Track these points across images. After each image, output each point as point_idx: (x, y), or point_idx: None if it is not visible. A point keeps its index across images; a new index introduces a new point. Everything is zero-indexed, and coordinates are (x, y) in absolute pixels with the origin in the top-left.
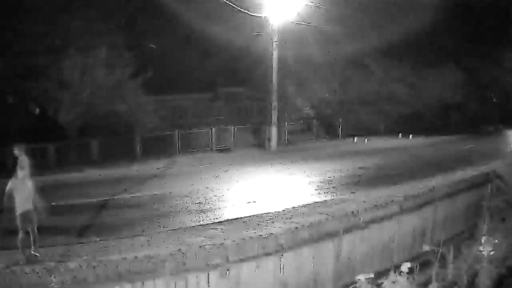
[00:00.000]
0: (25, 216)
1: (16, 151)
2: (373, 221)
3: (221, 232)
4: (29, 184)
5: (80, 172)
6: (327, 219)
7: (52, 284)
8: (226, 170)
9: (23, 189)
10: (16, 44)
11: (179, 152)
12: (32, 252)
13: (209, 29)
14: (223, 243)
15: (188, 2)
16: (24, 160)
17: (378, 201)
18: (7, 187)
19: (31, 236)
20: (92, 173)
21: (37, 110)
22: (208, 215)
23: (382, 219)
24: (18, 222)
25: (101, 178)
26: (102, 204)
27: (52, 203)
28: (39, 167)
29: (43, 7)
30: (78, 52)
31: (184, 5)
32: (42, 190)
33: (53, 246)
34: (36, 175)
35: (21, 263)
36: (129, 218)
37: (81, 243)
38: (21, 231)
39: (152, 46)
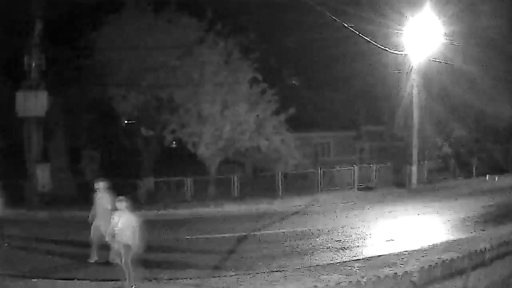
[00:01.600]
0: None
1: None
2: (497, 257)
3: (358, 269)
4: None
5: (219, 207)
6: (458, 257)
7: None
8: (367, 209)
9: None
10: (149, 77)
11: (321, 190)
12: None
13: (349, 67)
14: (359, 281)
15: (328, 40)
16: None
17: (502, 238)
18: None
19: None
20: (232, 208)
21: (174, 143)
22: (347, 253)
23: (504, 255)
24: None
25: (241, 214)
26: (241, 239)
27: (187, 237)
28: (175, 200)
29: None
30: (218, 86)
31: (324, 44)
32: (178, 223)
33: (185, 279)
34: (172, 208)
35: None
36: (267, 253)
37: (215, 276)
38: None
39: (295, 83)
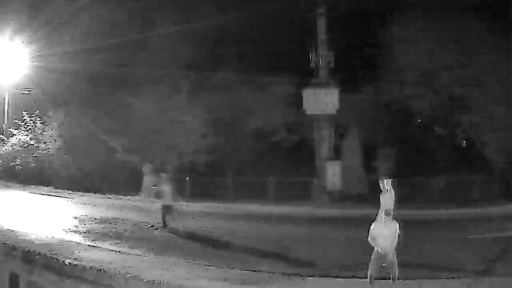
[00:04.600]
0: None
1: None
2: None
3: None
4: (392, 226)
5: (503, 206)
6: None
7: None
8: None
9: (385, 231)
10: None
11: None
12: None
13: None
14: None
15: None
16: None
17: None
18: (371, 230)
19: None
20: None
21: (464, 142)
22: None
23: None
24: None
25: None
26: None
27: (468, 236)
28: (464, 199)
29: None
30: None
31: None
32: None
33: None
34: (461, 207)
35: None
36: None
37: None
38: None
39: None
